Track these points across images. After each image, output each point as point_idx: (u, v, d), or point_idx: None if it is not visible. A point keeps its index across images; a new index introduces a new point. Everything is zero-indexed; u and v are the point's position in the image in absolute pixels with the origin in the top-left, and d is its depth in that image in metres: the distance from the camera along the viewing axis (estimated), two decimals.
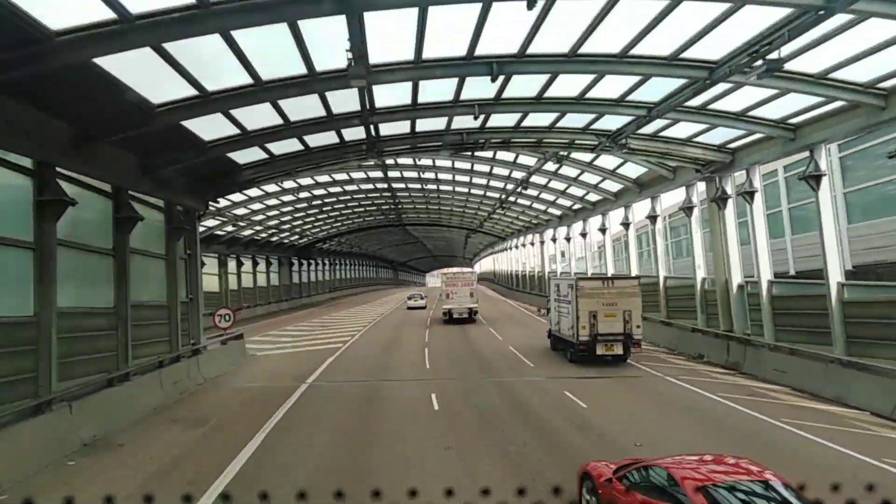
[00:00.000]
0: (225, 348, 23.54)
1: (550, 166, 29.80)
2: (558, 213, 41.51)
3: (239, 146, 17.45)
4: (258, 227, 46.63)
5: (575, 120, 20.26)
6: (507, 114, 18.58)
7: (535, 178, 32.91)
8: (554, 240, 45.52)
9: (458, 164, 34.04)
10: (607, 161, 27.30)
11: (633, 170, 27.74)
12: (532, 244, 53.02)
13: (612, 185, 31.03)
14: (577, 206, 37.51)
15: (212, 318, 24.60)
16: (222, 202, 37.27)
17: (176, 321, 19.53)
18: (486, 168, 33.70)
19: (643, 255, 47.69)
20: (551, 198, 37.61)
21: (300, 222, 50.80)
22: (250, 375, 21.66)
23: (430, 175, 37.59)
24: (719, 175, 22.10)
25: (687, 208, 24.61)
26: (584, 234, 38.43)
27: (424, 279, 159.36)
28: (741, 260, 22.05)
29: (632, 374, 20.42)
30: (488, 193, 40.91)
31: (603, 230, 35.08)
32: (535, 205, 41.15)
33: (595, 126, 20.42)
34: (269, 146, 19.06)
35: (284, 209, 43.85)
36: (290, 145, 19.87)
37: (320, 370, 22.37)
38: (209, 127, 16.40)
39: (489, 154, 30.46)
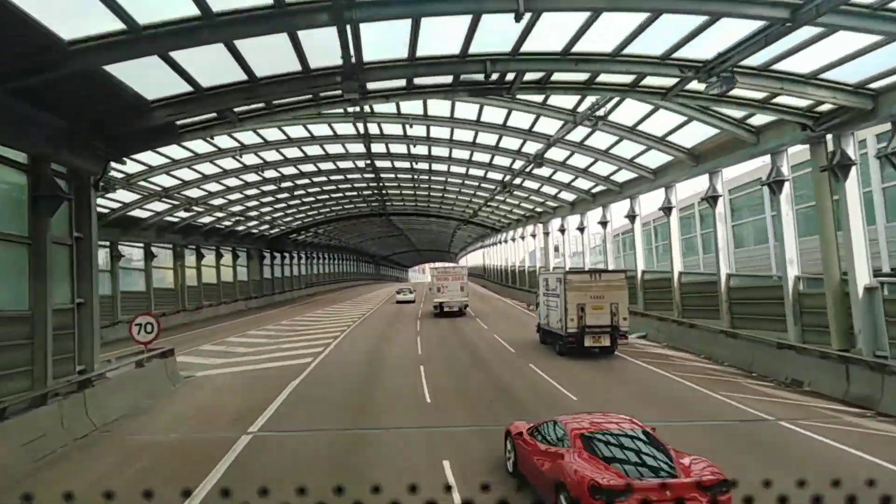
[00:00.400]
0: (141, 373, 16.32)
1: (579, 133, 23.05)
2: (571, 198, 34.75)
3: (126, 53, 10.23)
4: (219, 214, 39.21)
5: (652, 42, 13.40)
6: (568, 13, 11.60)
7: (551, 153, 26.08)
8: (562, 230, 38.76)
9: (458, 135, 27.12)
10: (658, 124, 20.57)
11: (691, 136, 21.04)
12: (534, 236, 46.28)
13: (653, 160, 24.33)
14: (598, 189, 30.74)
15: (128, 329, 17.36)
16: (168, 180, 29.92)
17: (44, 340, 12.27)
18: (492, 138, 26.76)
19: (657, 249, 41.36)
20: (568, 178, 30.83)
21: (269, 209, 43.56)
22: (170, 416, 14.49)
23: (421, 150, 30.52)
24: (838, 133, 15.42)
25: (775, 183, 17.92)
26: (604, 223, 31.68)
27: (407, 274, 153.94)
28: (867, 251, 15.42)
29: (733, 418, 13.68)
30: (489, 174, 34.03)
31: (632, 216, 28.38)
32: (546, 188, 34.31)
33: (680, 54, 13.61)
34: (187, 65, 11.88)
35: (249, 192, 36.52)
36: (223, 71, 12.72)
37: (276, 404, 15.30)
38: (68, 15, 9.26)
39: (499, 117, 23.60)
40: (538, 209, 41.29)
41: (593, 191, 31.45)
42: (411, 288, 56.63)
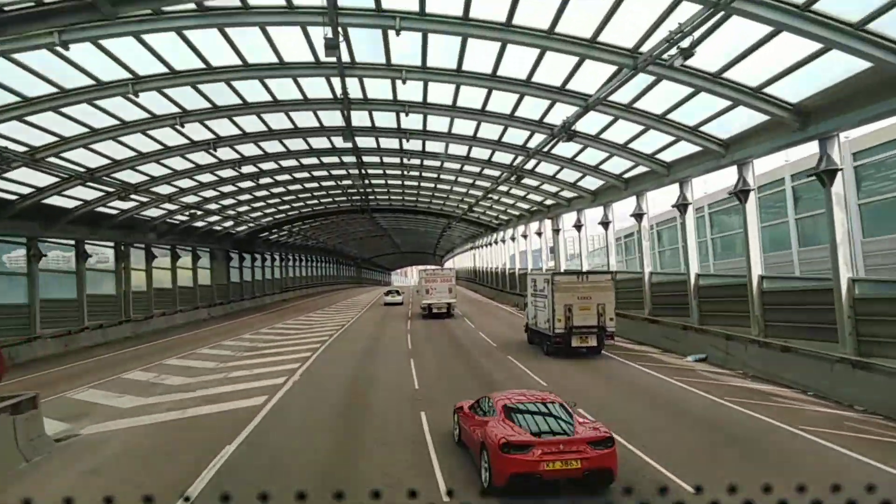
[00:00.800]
0: None
1: (629, 91, 16.78)
2: (596, 185, 28.58)
3: None
4: (170, 206, 32.21)
5: None
6: None
7: (584, 122, 19.72)
8: (578, 226, 32.44)
9: (464, 97, 20.78)
10: (762, 63, 14.30)
11: (801, 86, 14.80)
12: (539, 234, 40.11)
13: (728, 126, 18.12)
14: (636, 172, 24.58)
15: None
16: (91, 157, 22.91)
17: None
18: (509, 101, 20.46)
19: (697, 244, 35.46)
20: (599, 158, 24.55)
21: (232, 201, 36.64)
22: None
23: (415, 121, 24.07)
24: None
25: None
26: (638, 216, 25.44)
27: (390, 277, 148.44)
28: None
29: None
30: (496, 155, 27.71)
31: (683, 205, 22.20)
32: (564, 173, 28.03)
33: None
34: None
35: (201, 177, 29.72)
36: None
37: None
38: None
39: (524, 66, 17.27)
40: (548, 201, 35.03)
41: (627, 175, 25.17)
42: (399, 290, 55.87)
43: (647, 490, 8.33)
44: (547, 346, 21.70)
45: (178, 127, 21.54)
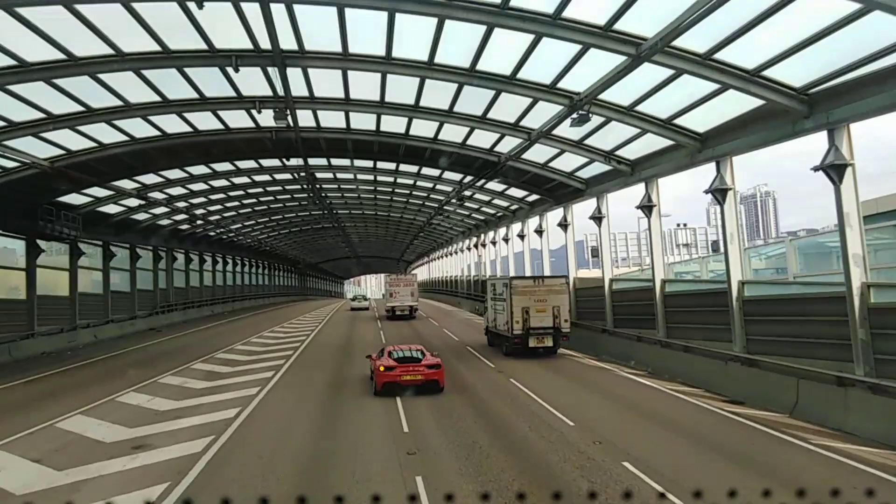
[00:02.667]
0: None
1: None
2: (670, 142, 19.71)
3: None
4: None
5: None
6: None
7: None
8: (649, 207, 21.98)
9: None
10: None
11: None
12: (564, 225, 29.96)
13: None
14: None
15: None
16: None
17: None
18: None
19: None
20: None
21: None
22: None
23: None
24: None
25: None
26: (722, 191, 17.23)
27: (342, 287, 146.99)
28: None
29: None
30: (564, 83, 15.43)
31: (840, 161, 13.92)
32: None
33: None
34: None
35: None
36: None
37: None
38: None
39: None
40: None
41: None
42: (365, 296, 65.09)
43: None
44: (506, 347, 25.48)
45: None
